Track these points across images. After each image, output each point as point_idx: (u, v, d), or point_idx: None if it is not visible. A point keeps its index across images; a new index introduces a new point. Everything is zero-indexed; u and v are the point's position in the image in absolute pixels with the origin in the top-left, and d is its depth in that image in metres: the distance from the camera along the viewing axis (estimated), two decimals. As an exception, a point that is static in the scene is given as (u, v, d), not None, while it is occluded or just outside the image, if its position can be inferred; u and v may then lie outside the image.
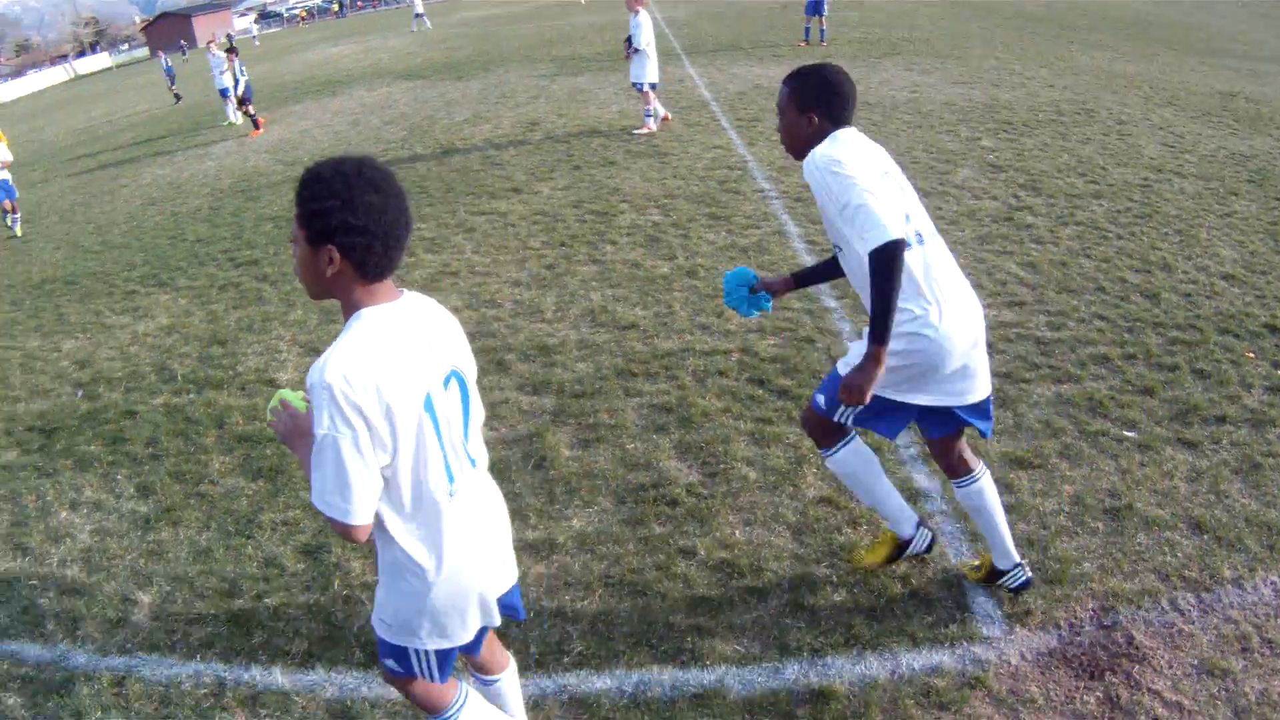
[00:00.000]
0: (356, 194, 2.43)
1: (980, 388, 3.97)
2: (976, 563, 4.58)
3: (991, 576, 4.39)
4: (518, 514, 5.32)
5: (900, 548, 4.51)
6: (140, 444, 6.96)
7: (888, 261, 3.42)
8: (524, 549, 5.02)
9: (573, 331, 7.63)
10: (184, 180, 17.44)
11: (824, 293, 7.80)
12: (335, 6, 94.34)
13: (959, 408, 3.97)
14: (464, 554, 2.75)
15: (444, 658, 2.97)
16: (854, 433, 4.25)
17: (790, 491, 5.24)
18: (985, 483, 4.18)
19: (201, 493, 6.09)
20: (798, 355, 6.78)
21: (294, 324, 8.51)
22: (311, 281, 2.61)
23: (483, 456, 2.87)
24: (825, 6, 23.88)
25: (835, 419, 4.10)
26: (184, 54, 72.41)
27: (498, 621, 3.00)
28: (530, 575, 4.85)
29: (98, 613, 5.22)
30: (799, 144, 3.87)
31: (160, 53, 49.60)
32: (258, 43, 66.88)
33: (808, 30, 24.39)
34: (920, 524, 4.47)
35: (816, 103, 3.79)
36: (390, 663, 3.02)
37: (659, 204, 10.56)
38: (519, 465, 5.81)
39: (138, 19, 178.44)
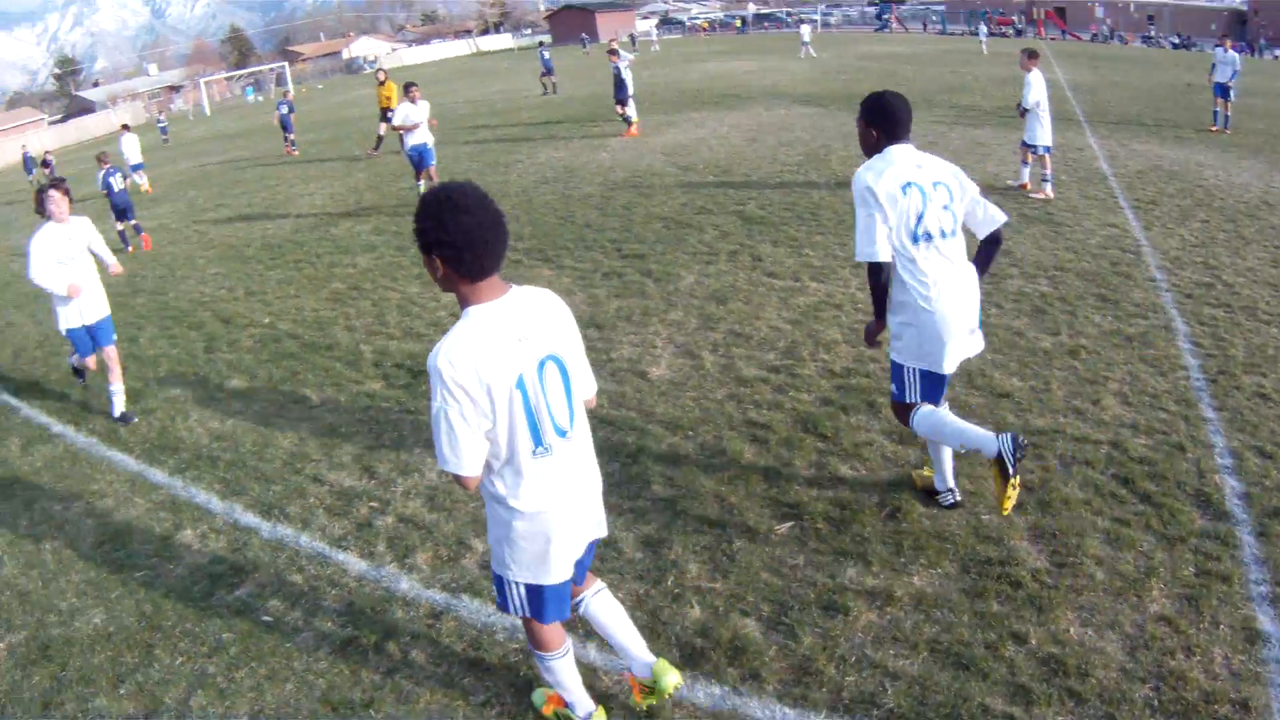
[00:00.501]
0: (447, 216, 3.32)
1: (956, 357, 5.47)
2: (926, 472, 6.16)
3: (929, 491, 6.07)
4: (861, 558, 5.39)
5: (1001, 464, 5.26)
6: (505, 404, 7.51)
7: (869, 272, 5.37)
8: (861, 594, 5.17)
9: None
10: (578, 166, 18.80)
11: (1204, 401, 7.36)
12: (738, 22, 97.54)
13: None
14: (545, 500, 3.64)
15: (533, 595, 3.88)
16: (920, 404, 5.61)
17: (1133, 602, 5.03)
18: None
19: (553, 462, 6.50)
20: (1167, 461, 6.43)
21: (672, 323, 9.00)
22: (433, 280, 3.55)
23: (579, 426, 3.74)
24: (1233, 92, 22.22)
25: (906, 399, 5.61)
26: (584, 47, 76.96)
27: (584, 560, 3.99)
28: (860, 621, 4.99)
29: (431, 548, 5.95)
30: (867, 149, 5.43)
31: (542, 46, 53.73)
32: (656, 47, 70.19)
33: (1216, 114, 22.62)
34: (1004, 437, 5.29)
35: (876, 121, 5.36)
36: (496, 592, 4.02)
37: (1048, 274, 10.31)
38: (872, 510, 5.89)
39: (543, 6, 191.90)
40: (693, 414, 7.20)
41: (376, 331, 9.94)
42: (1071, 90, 30.40)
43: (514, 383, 3.44)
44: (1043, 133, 14.12)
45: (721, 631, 4.89)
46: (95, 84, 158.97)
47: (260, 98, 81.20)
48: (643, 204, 14.74)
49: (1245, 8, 75.84)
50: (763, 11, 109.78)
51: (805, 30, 54.05)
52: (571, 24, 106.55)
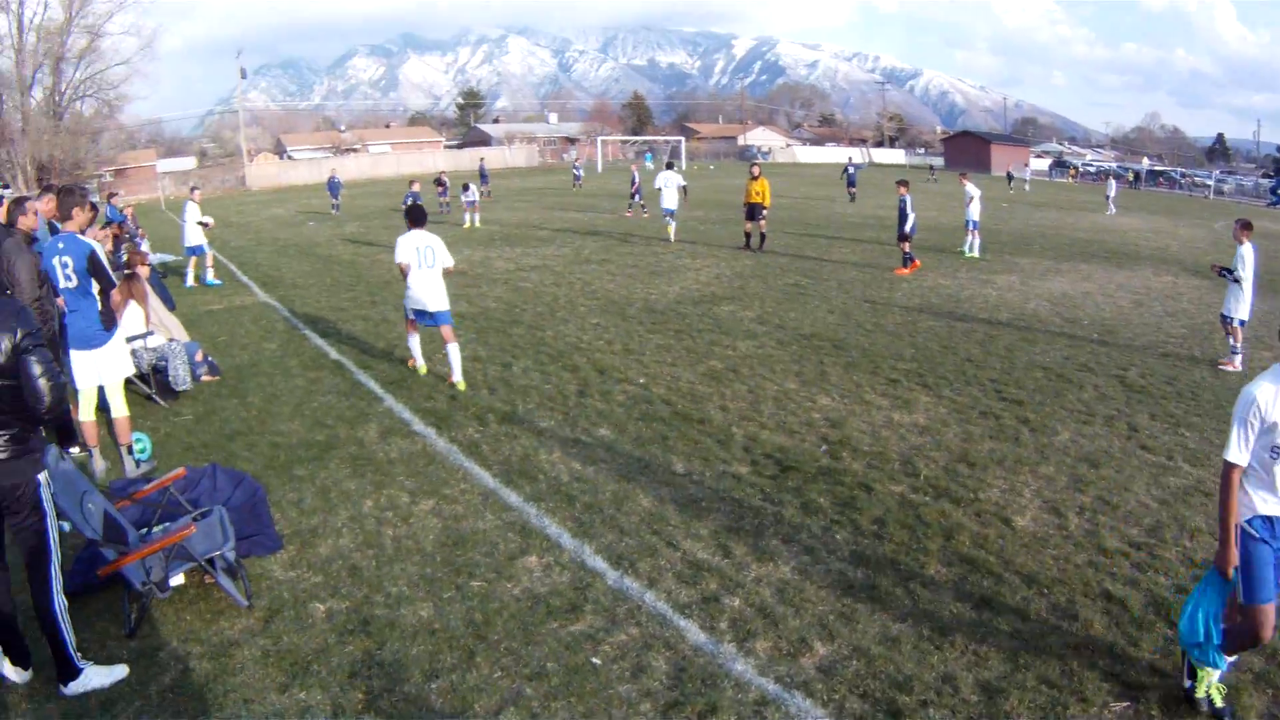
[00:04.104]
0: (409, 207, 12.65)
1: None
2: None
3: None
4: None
5: None
6: (867, 519, 7.82)
7: None
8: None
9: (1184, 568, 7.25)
10: (964, 298, 18.77)
11: None
12: (1130, 175, 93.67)
13: None
14: (414, 285, 11.77)
15: (411, 315, 12.20)
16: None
17: None
18: None
19: (910, 589, 6.75)
20: None
21: (1043, 477, 8.89)
22: None
23: (435, 266, 11.73)
24: None
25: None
26: (933, 174, 77.37)
27: (431, 310, 11.78)
28: None
29: (773, 638, 6.07)
30: None
31: (851, 161, 56.69)
32: (1027, 187, 68.26)
33: None
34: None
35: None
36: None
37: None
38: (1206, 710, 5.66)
39: (939, 129, 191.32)
40: (1050, 572, 7.06)
41: (749, 417, 10.35)
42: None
43: (417, 250, 11.55)
44: (1241, 306, 14.33)
45: (1040, 790, 4.85)
46: (495, 120, 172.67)
47: (654, 165, 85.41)
48: (1025, 349, 14.46)
49: None
50: (1156, 169, 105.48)
51: (1112, 185, 51.20)
52: (966, 150, 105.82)
